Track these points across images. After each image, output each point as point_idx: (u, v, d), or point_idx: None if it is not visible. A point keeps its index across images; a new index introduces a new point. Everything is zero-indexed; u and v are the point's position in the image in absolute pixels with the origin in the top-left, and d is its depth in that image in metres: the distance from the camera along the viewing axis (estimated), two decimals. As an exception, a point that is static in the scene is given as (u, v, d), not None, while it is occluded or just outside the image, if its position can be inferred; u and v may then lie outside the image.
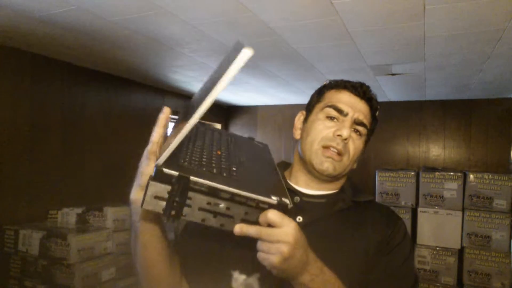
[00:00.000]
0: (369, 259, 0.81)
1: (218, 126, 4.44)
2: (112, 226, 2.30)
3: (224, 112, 4.52)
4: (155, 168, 0.55)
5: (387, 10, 1.57)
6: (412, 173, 3.25)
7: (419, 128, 3.74)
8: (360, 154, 0.91)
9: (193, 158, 0.63)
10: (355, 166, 0.92)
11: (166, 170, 0.55)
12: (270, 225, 0.60)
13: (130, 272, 2.33)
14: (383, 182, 3.32)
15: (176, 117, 2.57)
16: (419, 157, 3.73)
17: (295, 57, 2.31)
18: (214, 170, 0.61)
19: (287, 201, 0.61)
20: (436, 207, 3.12)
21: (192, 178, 0.56)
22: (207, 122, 4.31)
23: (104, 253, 2.21)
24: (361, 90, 0.90)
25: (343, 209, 0.88)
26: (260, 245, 0.62)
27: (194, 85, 3.25)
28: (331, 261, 0.70)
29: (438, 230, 3.09)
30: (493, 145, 3.48)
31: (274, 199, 0.60)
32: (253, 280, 0.80)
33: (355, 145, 0.88)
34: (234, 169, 0.65)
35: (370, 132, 0.92)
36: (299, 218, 0.85)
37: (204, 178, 0.57)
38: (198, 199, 0.58)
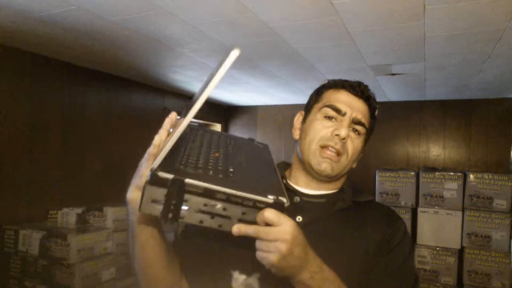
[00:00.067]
0: (369, 259, 0.81)
1: (218, 126, 4.44)
2: (112, 226, 2.30)
3: (224, 112, 4.52)
4: (150, 172, 0.56)
5: (387, 10, 1.57)
6: (412, 173, 3.25)
7: (419, 128, 3.74)
8: (359, 153, 0.91)
9: (190, 160, 0.63)
10: (354, 165, 0.93)
11: (161, 174, 0.56)
12: (268, 224, 0.61)
13: (130, 272, 2.33)
14: (383, 182, 3.32)
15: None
16: (419, 157, 3.73)
17: (295, 57, 2.31)
18: (211, 172, 0.62)
19: (284, 199, 0.61)
20: (436, 207, 3.12)
21: (187, 180, 0.57)
22: (207, 122, 4.31)
23: (104, 253, 2.21)
24: (359, 90, 0.90)
25: (343, 209, 0.88)
26: (258, 244, 0.62)
27: (194, 85, 3.25)
28: (331, 261, 0.70)
29: (438, 230, 3.09)
30: (493, 145, 3.48)
31: (270, 198, 0.60)
32: (253, 280, 0.80)
33: (353, 144, 0.88)
34: (231, 170, 0.65)
35: (369, 131, 0.92)
36: (299, 218, 0.85)
37: (199, 180, 0.57)
38: (195, 201, 0.58)
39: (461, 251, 3.04)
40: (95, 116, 2.78)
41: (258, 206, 0.60)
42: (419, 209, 3.17)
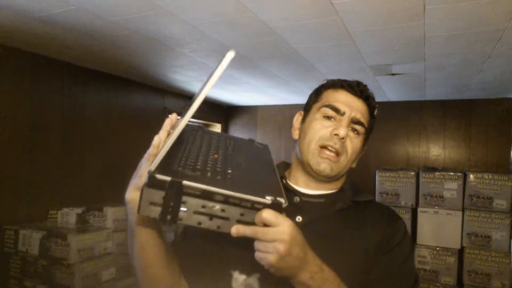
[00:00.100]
0: (369, 258, 0.81)
1: (218, 126, 4.44)
2: (112, 226, 2.30)
3: (224, 112, 4.52)
4: (148, 175, 0.56)
5: (387, 10, 1.57)
6: (412, 173, 3.25)
7: (419, 128, 3.74)
8: (359, 153, 0.91)
9: (188, 162, 0.64)
10: (354, 165, 0.93)
11: (158, 176, 0.56)
12: (266, 224, 0.61)
13: (130, 272, 2.33)
14: (383, 182, 3.32)
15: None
16: (419, 157, 3.73)
17: (295, 57, 2.31)
18: (209, 174, 0.62)
19: (282, 200, 0.61)
20: (436, 207, 3.12)
21: (185, 182, 0.57)
22: (207, 122, 4.31)
23: (104, 253, 2.21)
24: (358, 89, 0.90)
25: (342, 209, 0.88)
26: (257, 244, 0.62)
27: (194, 85, 3.25)
28: (331, 261, 0.70)
29: (438, 230, 3.10)
30: (493, 145, 3.48)
31: (268, 199, 0.60)
32: (253, 280, 0.80)
33: (353, 144, 0.88)
34: (229, 171, 0.65)
35: (369, 131, 0.92)
36: (299, 218, 0.85)
37: (197, 182, 0.58)
38: (193, 203, 0.59)
39: (461, 251, 3.04)
40: (95, 116, 2.78)
41: (256, 207, 0.61)
42: (419, 209, 3.17)
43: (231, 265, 0.82)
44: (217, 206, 0.60)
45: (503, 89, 3.08)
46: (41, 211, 2.38)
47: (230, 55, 0.56)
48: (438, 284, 3.05)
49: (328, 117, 0.88)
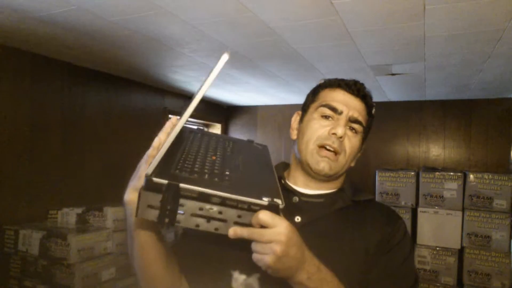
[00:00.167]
0: (369, 258, 0.81)
1: (218, 126, 4.44)
2: (112, 226, 2.30)
3: (224, 112, 4.52)
4: (145, 178, 0.56)
5: (387, 10, 1.57)
6: (412, 173, 3.26)
7: (419, 128, 3.74)
8: (357, 151, 0.91)
9: (186, 165, 0.64)
10: (353, 164, 0.93)
11: (155, 179, 0.56)
12: (263, 226, 0.61)
13: (130, 272, 2.33)
14: (383, 182, 3.32)
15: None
16: (419, 157, 3.73)
17: (295, 57, 2.31)
18: (206, 176, 0.62)
19: (278, 201, 0.61)
20: (436, 207, 3.12)
21: (182, 185, 0.57)
22: (207, 122, 4.31)
23: (104, 253, 2.21)
24: (355, 88, 0.90)
25: (342, 208, 0.88)
26: (254, 246, 0.62)
27: (194, 85, 3.25)
28: (330, 260, 0.70)
29: (438, 230, 3.10)
30: (493, 145, 3.48)
31: (265, 200, 0.60)
32: (253, 280, 0.80)
33: (351, 143, 0.88)
34: (227, 173, 0.66)
35: (367, 129, 0.92)
36: (298, 218, 0.85)
37: (194, 185, 0.58)
38: (190, 206, 0.59)
39: (461, 251, 3.04)
40: (95, 116, 2.78)
41: (253, 209, 0.61)
42: (419, 209, 3.17)
43: (231, 265, 0.82)
44: (215, 208, 0.60)
45: (503, 89, 3.08)
46: (41, 211, 2.38)
47: (225, 57, 0.56)
48: (438, 284, 3.05)
49: (326, 117, 0.88)
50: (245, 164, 0.74)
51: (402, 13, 1.60)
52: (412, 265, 0.87)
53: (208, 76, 0.57)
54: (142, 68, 2.70)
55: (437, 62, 2.32)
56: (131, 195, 0.67)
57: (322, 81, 0.96)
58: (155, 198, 0.57)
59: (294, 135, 0.96)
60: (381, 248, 0.82)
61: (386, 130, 3.77)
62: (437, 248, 3.08)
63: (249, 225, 0.61)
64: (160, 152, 0.58)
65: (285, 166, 1.00)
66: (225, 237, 0.61)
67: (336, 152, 0.86)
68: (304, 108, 0.95)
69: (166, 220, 0.58)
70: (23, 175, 2.28)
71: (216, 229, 0.61)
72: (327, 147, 0.86)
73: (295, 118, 0.97)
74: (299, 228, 0.66)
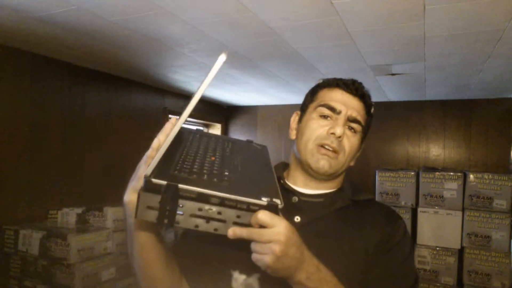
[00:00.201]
0: (368, 258, 0.81)
1: (218, 126, 4.44)
2: (112, 226, 2.30)
3: (224, 112, 4.52)
4: (144, 179, 0.57)
5: (387, 10, 1.57)
6: (412, 173, 3.25)
7: (419, 128, 3.74)
8: (357, 151, 0.91)
9: (185, 165, 0.64)
10: (352, 163, 0.93)
11: (154, 180, 0.56)
12: (262, 226, 0.61)
13: (130, 272, 2.33)
14: (383, 182, 3.32)
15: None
16: (419, 157, 3.73)
17: (295, 57, 2.31)
18: (205, 176, 0.62)
19: (277, 201, 0.61)
20: (436, 207, 3.12)
21: (181, 186, 0.57)
22: (207, 122, 4.31)
23: (104, 253, 2.21)
24: (353, 87, 0.90)
25: (342, 208, 0.88)
26: (253, 246, 0.62)
27: (194, 85, 3.25)
28: (330, 260, 0.70)
29: (438, 230, 3.10)
30: (493, 145, 3.48)
31: (264, 200, 0.61)
32: (253, 280, 0.80)
33: (350, 142, 0.88)
34: (226, 173, 0.66)
35: (366, 129, 0.92)
36: (297, 218, 0.85)
37: (192, 185, 0.58)
38: (189, 206, 0.59)
39: (461, 251, 3.04)
40: (95, 116, 2.78)
41: (252, 209, 0.61)
42: (419, 209, 3.17)
43: (231, 265, 0.82)
44: (214, 209, 0.60)
45: (503, 89, 3.08)
46: (41, 211, 2.38)
47: (222, 58, 0.57)
48: (438, 284, 3.05)
49: (325, 116, 0.88)
50: (244, 165, 0.75)
51: (402, 13, 1.60)
52: (412, 265, 0.87)
53: (206, 76, 0.57)
54: (142, 68, 2.70)
55: (437, 62, 2.32)
56: (130, 196, 0.67)
57: (321, 81, 0.96)
58: (154, 199, 0.57)
59: (293, 135, 0.96)
60: (381, 248, 0.82)
61: (386, 130, 3.77)
62: (437, 248, 3.08)
63: (248, 225, 0.61)
64: (159, 153, 0.58)
65: (285, 166, 1.00)
66: (225, 237, 0.61)
67: (335, 151, 0.86)
68: (303, 108, 0.95)
69: (165, 221, 0.58)
70: (23, 175, 2.28)
71: (215, 229, 0.61)
72: (326, 147, 0.86)
73: (294, 118, 0.98)
74: (298, 228, 0.66)
